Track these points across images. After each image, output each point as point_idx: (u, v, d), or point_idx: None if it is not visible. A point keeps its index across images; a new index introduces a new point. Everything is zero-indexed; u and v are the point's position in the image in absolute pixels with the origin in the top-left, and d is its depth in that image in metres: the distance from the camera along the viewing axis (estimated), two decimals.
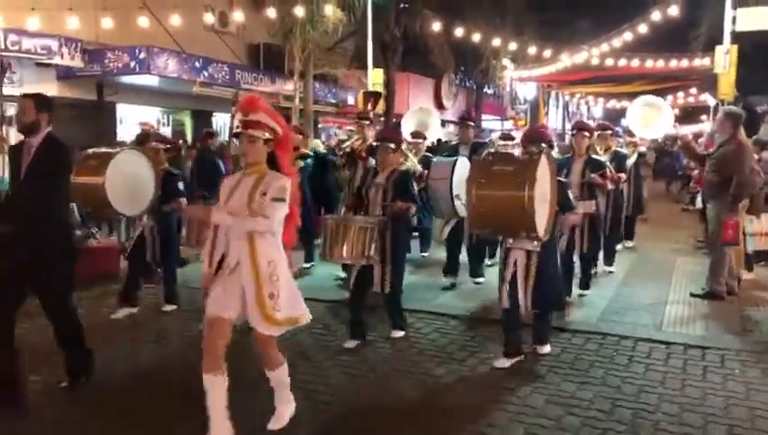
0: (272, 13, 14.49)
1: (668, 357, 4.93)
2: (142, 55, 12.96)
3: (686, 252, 9.27)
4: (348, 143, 8.02)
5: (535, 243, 4.52)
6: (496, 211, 4.29)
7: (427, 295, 6.73)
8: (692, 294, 6.65)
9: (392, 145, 5.36)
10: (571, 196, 5.07)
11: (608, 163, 6.72)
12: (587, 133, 6.31)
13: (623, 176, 7.14)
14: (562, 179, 5.18)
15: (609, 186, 6.39)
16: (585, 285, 6.71)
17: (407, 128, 9.11)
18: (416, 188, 5.58)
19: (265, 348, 3.58)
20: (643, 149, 9.38)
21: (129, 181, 5.39)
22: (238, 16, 15.15)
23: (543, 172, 4.34)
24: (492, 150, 6.39)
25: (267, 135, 3.47)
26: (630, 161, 8.51)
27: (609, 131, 8.10)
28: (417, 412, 4.03)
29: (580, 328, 5.61)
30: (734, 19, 11.66)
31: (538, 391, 4.30)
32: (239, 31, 16.92)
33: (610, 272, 7.85)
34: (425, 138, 8.55)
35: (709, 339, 5.33)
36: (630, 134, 9.70)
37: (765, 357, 4.86)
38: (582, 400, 4.16)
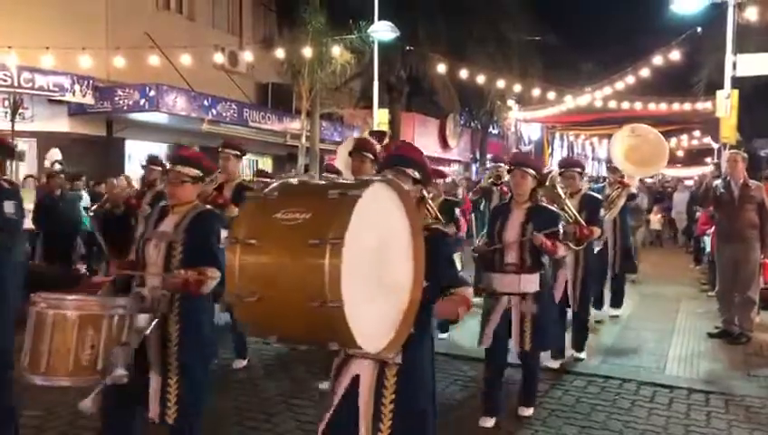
0: (280, 53, 14.80)
1: (672, 401, 4.87)
2: (152, 93, 13.21)
3: (689, 295, 9.21)
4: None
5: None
6: (277, 302, 2.09)
7: None
8: (711, 335, 6.68)
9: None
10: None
11: (569, 213, 5.23)
12: (529, 171, 4.33)
13: (596, 231, 5.39)
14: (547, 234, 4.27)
15: (561, 252, 4.50)
16: (579, 345, 5.91)
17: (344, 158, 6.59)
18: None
19: None
20: (633, 190, 7.34)
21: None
22: (248, 56, 15.50)
23: (375, 219, 2.23)
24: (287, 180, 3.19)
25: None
26: (613, 211, 7.04)
27: (578, 169, 5.96)
28: None
29: (583, 370, 5.56)
30: (734, 64, 11.84)
31: (539, 433, 4.25)
32: (248, 70, 17.26)
33: (616, 316, 7.60)
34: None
35: (713, 383, 5.27)
36: (615, 171, 7.58)
37: None
38: None
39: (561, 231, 4.46)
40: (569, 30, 26.59)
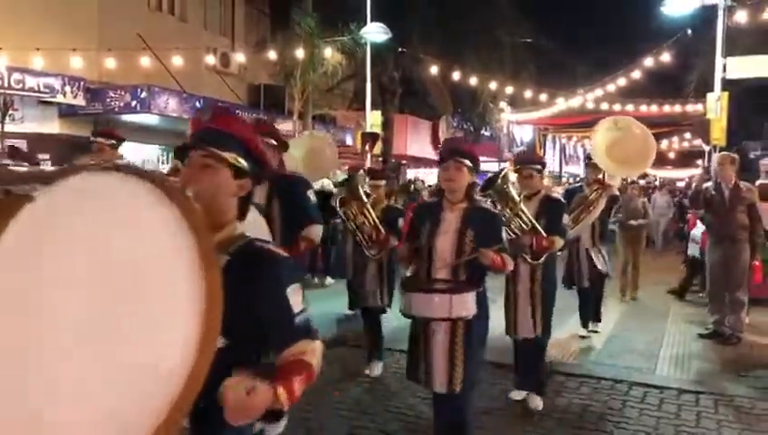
0: (273, 55, 14.79)
1: (662, 402, 4.89)
2: (143, 94, 13.14)
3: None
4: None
5: None
6: None
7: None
8: (700, 335, 6.72)
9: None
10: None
11: (525, 219, 4.42)
12: (464, 161, 3.35)
13: (557, 242, 4.44)
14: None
15: (510, 267, 3.41)
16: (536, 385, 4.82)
17: (294, 158, 5.98)
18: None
19: None
20: (615, 191, 6.54)
21: None
22: (240, 58, 15.46)
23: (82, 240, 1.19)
24: None
25: None
26: (591, 215, 6.25)
27: (536, 166, 4.85)
28: None
29: (575, 371, 5.59)
30: (724, 67, 11.92)
31: None
32: (240, 72, 17.23)
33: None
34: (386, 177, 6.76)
35: (703, 383, 5.30)
36: (595, 170, 6.45)
37: (759, 403, 4.82)
38: None
39: (506, 240, 3.47)
40: (561, 32, 26.79)
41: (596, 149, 6.22)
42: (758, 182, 9.28)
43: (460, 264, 3.30)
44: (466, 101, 23.57)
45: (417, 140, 23.86)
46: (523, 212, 4.43)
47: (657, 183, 22.44)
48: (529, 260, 4.58)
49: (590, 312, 6.93)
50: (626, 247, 8.98)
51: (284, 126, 16.95)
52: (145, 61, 13.65)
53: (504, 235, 3.42)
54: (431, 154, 25.21)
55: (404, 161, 23.41)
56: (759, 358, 6.06)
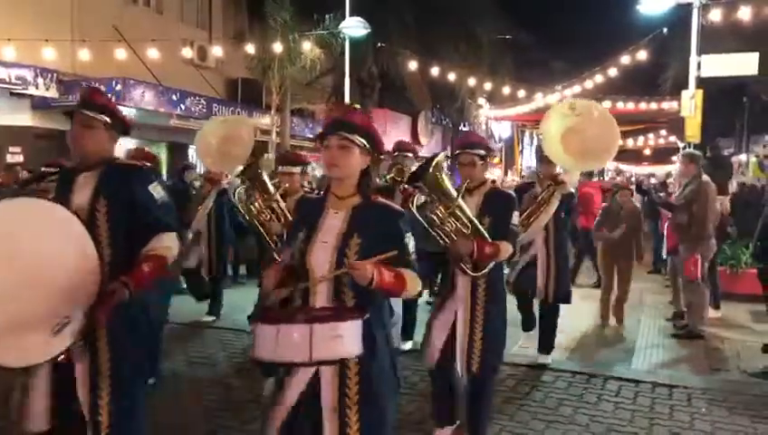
0: (250, 48, 14.64)
1: (637, 395, 4.95)
2: (118, 87, 12.94)
3: (654, 290, 9.37)
4: None
5: None
6: None
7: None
8: (673, 335, 6.73)
9: None
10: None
11: (464, 219, 3.55)
12: (356, 139, 2.45)
13: (504, 248, 3.57)
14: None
15: (414, 290, 2.51)
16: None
17: (207, 145, 5.40)
18: None
19: None
20: (570, 188, 5.46)
21: None
22: (217, 51, 15.28)
23: None
24: None
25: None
26: (541, 217, 5.21)
27: (479, 151, 3.83)
28: None
29: (551, 365, 5.62)
30: (699, 65, 12.08)
31: (507, 430, 4.28)
32: (218, 65, 17.04)
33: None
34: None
35: (677, 377, 5.37)
36: (548, 164, 5.33)
37: (731, 396, 4.90)
38: None
39: (422, 249, 2.69)
40: (539, 29, 26.90)
41: (548, 139, 5.09)
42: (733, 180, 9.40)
43: (342, 284, 2.37)
44: (445, 97, 23.62)
45: (396, 135, 23.79)
46: (461, 210, 3.52)
47: (632, 180, 22.68)
48: (469, 272, 3.60)
49: (544, 338, 5.74)
50: (609, 264, 7.39)
51: (262, 120, 16.84)
52: (120, 53, 13.44)
53: (410, 242, 2.44)
54: None
55: (382, 156, 23.38)
56: (730, 352, 6.17)
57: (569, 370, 5.53)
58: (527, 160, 29.13)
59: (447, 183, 3.53)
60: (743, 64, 12.51)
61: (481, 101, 23.36)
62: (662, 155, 32.81)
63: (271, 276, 2.46)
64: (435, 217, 3.55)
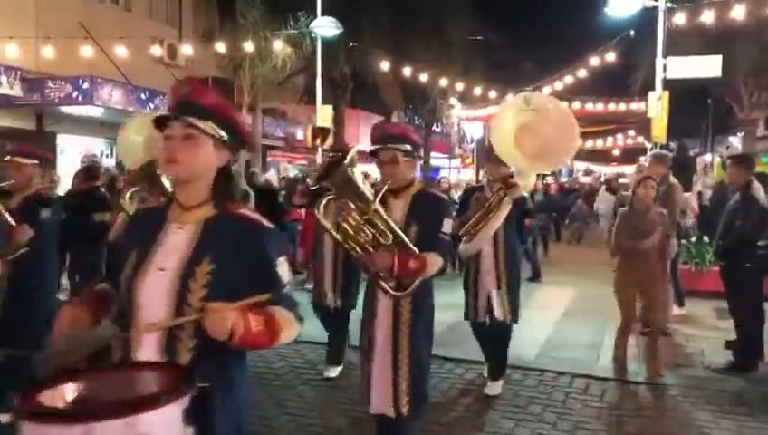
0: (221, 47, 14.50)
1: (604, 393, 5.02)
2: (85, 85, 12.72)
3: None
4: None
5: None
6: None
7: None
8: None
9: None
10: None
11: (379, 227, 2.99)
12: (203, 125, 1.78)
13: (432, 261, 3.04)
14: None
15: (284, 339, 1.77)
16: None
17: (134, 143, 4.60)
18: None
19: None
20: (523, 192, 4.75)
21: None
22: (187, 50, 15.10)
23: None
24: None
25: None
26: (490, 225, 4.68)
27: (404, 146, 3.25)
28: None
29: (520, 364, 5.65)
30: (664, 67, 12.32)
31: (476, 429, 4.31)
32: (188, 64, 16.84)
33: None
34: None
35: (643, 374, 5.45)
36: (498, 165, 4.71)
37: (695, 392, 5.00)
38: None
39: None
40: (510, 30, 27.16)
41: (500, 136, 4.55)
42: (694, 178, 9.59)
43: (176, 332, 1.71)
44: (417, 97, 23.70)
45: (368, 135, 23.79)
46: (379, 217, 2.93)
47: (602, 180, 23.04)
48: (391, 291, 3.04)
49: (495, 364, 5.08)
50: (631, 286, 5.58)
51: None
52: (87, 50, 13.21)
53: (282, 268, 1.82)
54: None
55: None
56: (692, 349, 6.29)
57: (538, 368, 5.58)
58: None
59: (362, 183, 2.94)
60: (706, 66, 12.80)
61: (453, 101, 23.50)
62: (631, 155, 33.42)
63: (66, 315, 1.76)
64: (347, 226, 2.92)
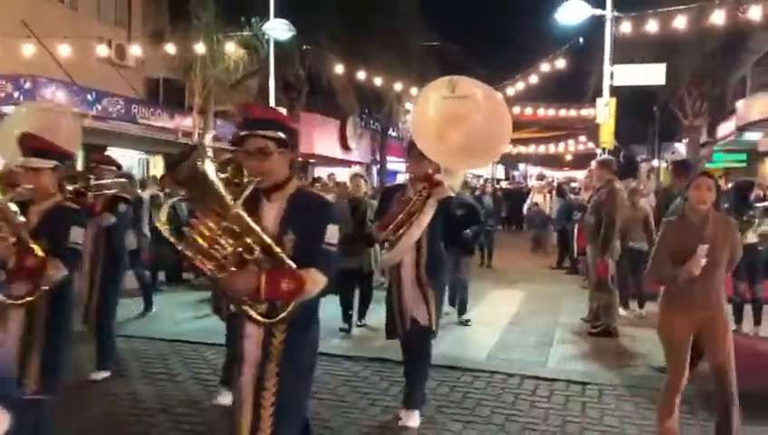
0: (171, 48, 14.19)
1: (552, 394, 5.07)
2: (27, 85, 12.28)
3: (571, 291, 9.68)
4: None
5: None
6: None
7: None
8: (590, 333, 6.95)
9: None
10: None
11: (242, 234, 2.44)
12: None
13: (312, 281, 2.46)
14: None
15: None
16: None
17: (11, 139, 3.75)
18: None
19: None
20: (449, 192, 4.25)
21: None
22: (136, 51, 14.73)
23: None
24: None
25: None
26: (411, 233, 4.17)
27: (275, 133, 2.56)
28: None
29: (470, 366, 5.70)
30: (612, 74, 12.62)
31: (425, 431, 4.29)
32: (138, 64, 16.45)
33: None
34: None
35: (589, 374, 5.54)
36: (420, 161, 4.19)
37: (638, 390, 5.09)
38: None
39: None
40: (465, 37, 27.49)
41: (421, 128, 4.02)
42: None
43: None
44: (373, 102, 23.72)
45: (324, 139, 23.73)
46: (242, 223, 2.40)
47: (554, 184, 23.46)
48: (258, 319, 2.47)
49: (412, 392, 4.38)
50: (683, 328, 3.90)
51: (184, 122, 16.37)
52: (29, 49, 12.73)
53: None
54: (339, 154, 25.18)
55: (312, 160, 23.23)
56: (640, 349, 6.41)
57: (488, 370, 5.61)
58: None
59: (217, 180, 2.39)
60: (651, 74, 13.20)
61: (409, 105, 23.59)
62: (582, 160, 34.17)
63: None
64: (197, 237, 2.35)
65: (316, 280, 2.45)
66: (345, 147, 25.53)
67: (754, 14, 10.72)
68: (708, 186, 3.76)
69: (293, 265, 2.41)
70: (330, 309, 7.43)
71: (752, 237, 6.31)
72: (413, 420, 4.32)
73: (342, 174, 14.44)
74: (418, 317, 4.27)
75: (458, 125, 3.91)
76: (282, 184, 2.58)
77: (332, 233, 2.51)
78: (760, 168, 20.39)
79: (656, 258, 3.90)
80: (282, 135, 2.54)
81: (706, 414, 4.59)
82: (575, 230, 8.53)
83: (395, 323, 4.39)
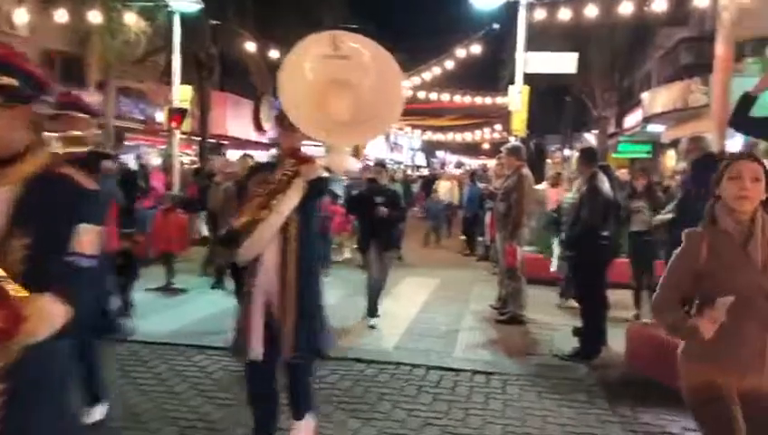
0: (62, 16, 12.99)
1: (456, 385, 4.93)
2: None
3: (482, 278, 9.67)
4: None
5: None
6: None
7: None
8: (497, 321, 6.89)
9: None
10: None
11: None
12: None
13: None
14: None
15: None
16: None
17: None
18: None
19: None
20: (320, 172, 3.42)
21: None
22: (22, 16, 13.38)
23: None
24: None
25: None
26: (275, 216, 3.30)
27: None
28: None
29: (375, 358, 5.50)
30: (525, 61, 12.70)
31: (322, 429, 4.01)
32: (31, 33, 15.11)
33: None
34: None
35: (495, 364, 5.45)
36: (292, 132, 3.40)
37: (540, 380, 5.04)
38: None
39: None
40: (383, 19, 27.25)
41: (295, 93, 3.23)
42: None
43: None
44: None
45: (238, 120, 22.90)
46: None
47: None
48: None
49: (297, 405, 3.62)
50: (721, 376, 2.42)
51: (85, 99, 15.24)
52: None
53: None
54: (254, 136, 24.38)
55: (225, 142, 22.36)
56: (543, 337, 6.42)
57: (393, 361, 5.42)
58: (375, 151, 29.40)
59: None
60: (563, 63, 13.41)
61: None
62: (498, 148, 34.86)
63: None
64: None
65: (52, 312, 1.50)
66: (259, 128, 24.73)
67: (657, 6, 11.03)
68: (754, 174, 2.34)
69: (11, 287, 1.46)
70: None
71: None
72: (305, 430, 3.62)
73: (260, 157, 13.84)
74: (281, 340, 3.29)
75: (341, 90, 3.12)
76: (14, 159, 1.67)
77: (88, 237, 1.67)
78: (662, 159, 21.37)
79: (663, 292, 2.49)
80: (13, 81, 1.64)
81: (605, 403, 4.59)
82: (486, 217, 8.51)
83: (244, 342, 3.34)
